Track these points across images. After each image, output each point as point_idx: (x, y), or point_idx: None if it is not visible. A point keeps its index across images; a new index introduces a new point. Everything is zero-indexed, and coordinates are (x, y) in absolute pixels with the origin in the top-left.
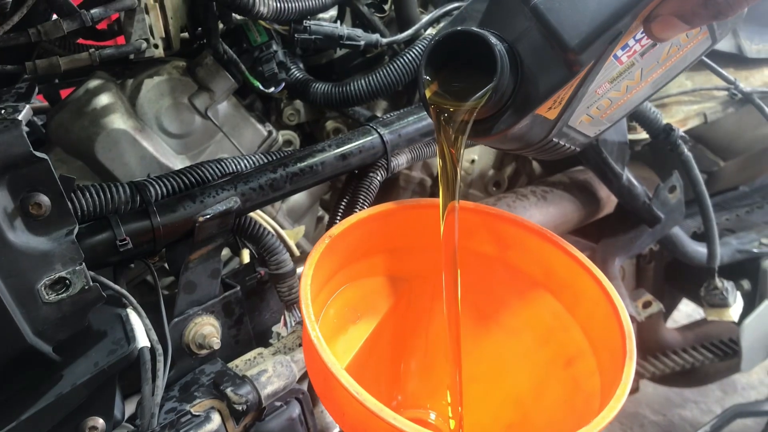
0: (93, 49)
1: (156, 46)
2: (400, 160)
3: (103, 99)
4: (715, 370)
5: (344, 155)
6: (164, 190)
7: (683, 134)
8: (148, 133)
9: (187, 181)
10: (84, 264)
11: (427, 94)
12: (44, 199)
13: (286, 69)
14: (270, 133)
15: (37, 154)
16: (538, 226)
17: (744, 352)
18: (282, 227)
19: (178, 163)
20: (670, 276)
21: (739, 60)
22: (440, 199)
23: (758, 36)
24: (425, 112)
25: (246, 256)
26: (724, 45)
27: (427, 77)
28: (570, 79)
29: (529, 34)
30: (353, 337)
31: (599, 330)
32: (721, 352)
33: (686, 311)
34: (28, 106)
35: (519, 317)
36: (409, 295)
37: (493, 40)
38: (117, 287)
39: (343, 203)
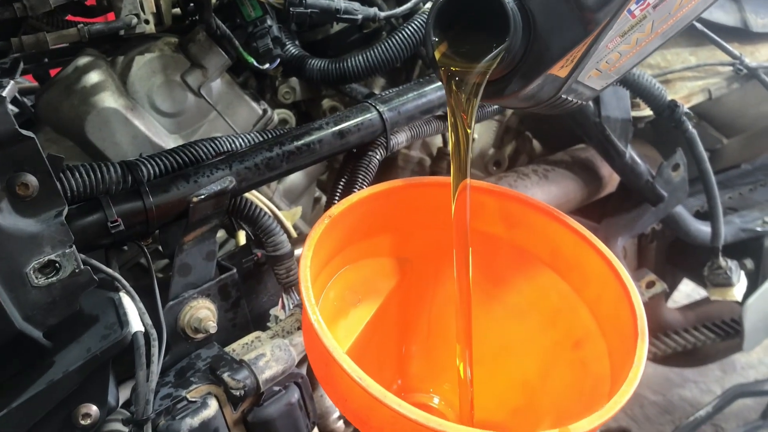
0: (82, 25)
1: (147, 22)
2: (400, 138)
3: (93, 77)
4: (715, 350)
5: (342, 133)
6: (157, 169)
7: (688, 111)
8: (139, 112)
9: (180, 161)
10: (74, 246)
11: (436, 55)
12: (32, 180)
13: (281, 45)
14: (265, 111)
15: (24, 132)
16: (544, 204)
17: (746, 332)
18: (278, 208)
19: (170, 142)
20: (671, 255)
21: (744, 34)
22: (451, 176)
23: (764, 9)
24: (425, 89)
25: (242, 237)
26: (730, 19)
27: (435, 38)
28: (585, 38)
29: None
30: (354, 320)
31: (608, 311)
32: (722, 332)
33: (686, 291)
34: (12, 81)
35: (525, 298)
36: (411, 275)
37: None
38: (109, 270)
39: (341, 183)
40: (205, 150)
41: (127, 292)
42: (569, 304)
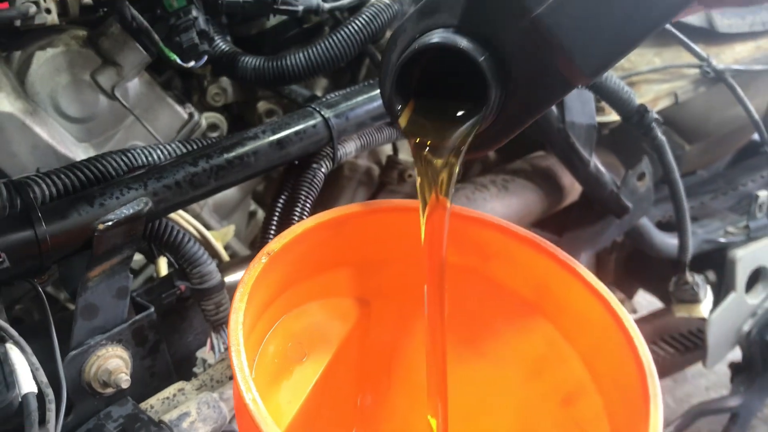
0: None
1: (48, 11)
2: (348, 148)
3: None
4: (673, 363)
5: (282, 143)
6: (54, 189)
7: (657, 116)
8: (41, 117)
9: (83, 177)
10: None
11: (402, 121)
12: None
13: (208, 39)
14: (191, 115)
15: None
16: (527, 231)
17: (710, 348)
18: (208, 226)
19: (79, 152)
20: (630, 267)
21: (709, 35)
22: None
23: (730, 9)
24: (376, 91)
25: (163, 265)
26: (695, 18)
27: (399, 105)
28: (570, 91)
29: (525, 42)
30: (300, 381)
31: (606, 363)
32: (682, 346)
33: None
34: None
35: (504, 344)
36: (368, 318)
37: (481, 58)
38: None
39: (280, 201)
40: (114, 164)
41: (16, 343)
42: (558, 352)
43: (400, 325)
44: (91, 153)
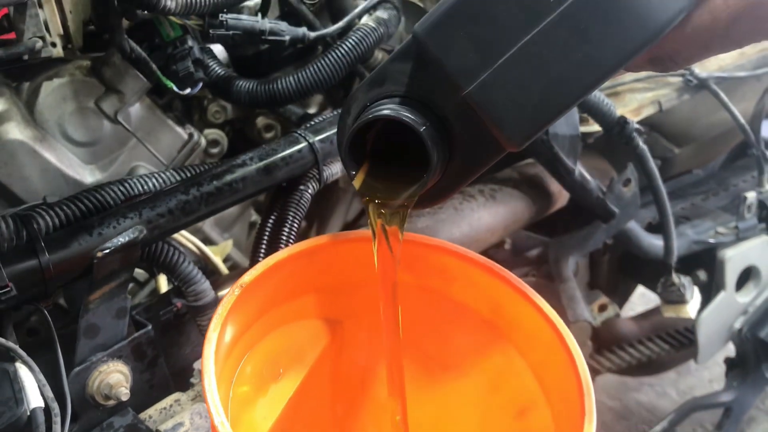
0: None
1: (54, 45)
2: (334, 170)
3: None
4: (670, 359)
5: (269, 169)
6: (56, 220)
7: (638, 126)
8: (50, 143)
9: (84, 208)
10: None
11: (356, 184)
12: None
13: (203, 67)
14: (191, 135)
15: None
16: (483, 258)
17: (701, 345)
18: (210, 240)
19: (86, 174)
20: (625, 266)
21: None
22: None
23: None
24: None
25: (163, 281)
26: None
27: (353, 171)
28: (505, 153)
29: (460, 112)
30: (276, 398)
31: (553, 378)
32: (677, 343)
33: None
34: None
35: (466, 359)
36: (341, 338)
37: (422, 128)
38: (1, 340)
39: (270, 222)
40: (112, 194)
41: (25, 362)
42: (513, 366)
43: (371, 341)
44: (97, 174)
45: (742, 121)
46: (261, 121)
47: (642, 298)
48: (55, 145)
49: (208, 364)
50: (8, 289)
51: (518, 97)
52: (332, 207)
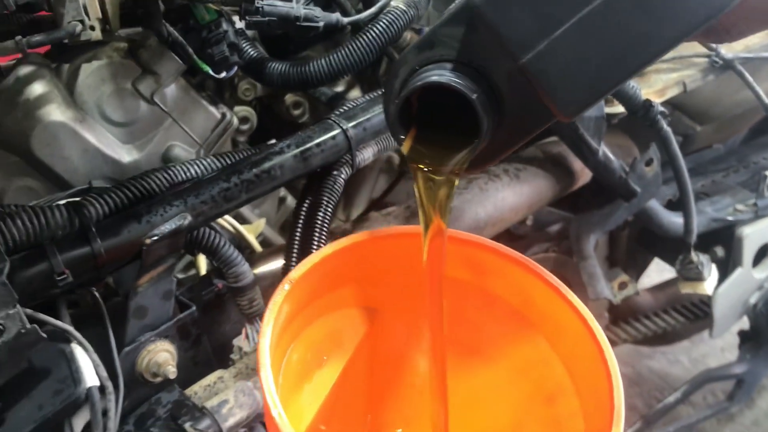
0: (20, 37)
1: (92, 28)
2: (366, 155)
3: (37, 88)
4: (686, 330)
5: (305, 155)
6: (106, 208)
7: (663, 109)
8: (89, 123)
9: (131, 195)
10: (18, 307)
11: (405, 149)
12: None
13: (238, 50)
14: (224, 115)
15: None
16: (516, 253)
17: (716, 320)
18: (240, 216)
19: (124, 153)
20: (643, 240)
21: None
22: (422, 228)
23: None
24: None
25: (203, 264)
26: None
27: (402, 136)
28: (553, 120)
29: (513, 79)
30: (320, 384)
31: (582, 369)
32: (692, 315)
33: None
34: None
35: (496, 346)
36: (378, 325)
37: (473, 95)
38: (59, 323)
39: (305, 206)
40: (158, 182)
41: (80, 344)
42: (542, 355)
43: (404, 329)
44: (134, 154)
45: (767, 100)
46: (290, 98)
47: (655, 266)
48: (94, 125)
49: (264, 358)
50: (65, 276)
51: (574, 69)
52: (358, 184)
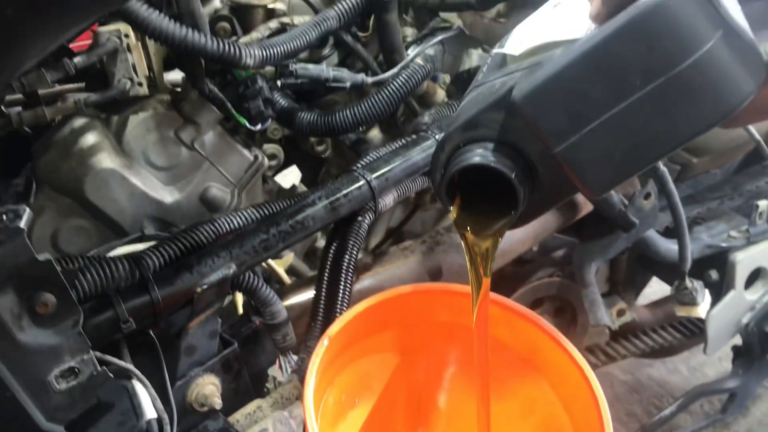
0: (78, 98)
1: (140, 85)
2: (387, 201)
3: (90, 138)
4: (680, 345)
5: (334, 206)
6: (162, 260)
7: None
8: (136, 169)
9: (183, 247)
10: (91, 352)
11: (452, 215)
12: (50, 298)
13: (272, 105)
14: (256, 157)
15: (40, 258)
16: (525, 309)
17: (710, 339)
18: None
19: (166, 194)
20: (642, 262)
21: None
22: (473, 288)
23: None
24: (411, 152)
25: (240, 302)
26: None
27: (450, 207)
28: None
29: (548, 161)
30: (353, 422)
31: (580, 413)
32: (689, 332)
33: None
34: (28, 210)
35: (504, 386)
36: (406, 368)
37: (512, 174)
38: (123, 364)
39: (331, 250)
40: (205, 234)
41: (140, 380)
42: (546, 397)
43: (428, 371)
44: (176, 194)
45: (758, 137)
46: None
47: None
48: (139, 170)
49: (309, 404)
50: (129, 323)
51: (600, 158)
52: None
